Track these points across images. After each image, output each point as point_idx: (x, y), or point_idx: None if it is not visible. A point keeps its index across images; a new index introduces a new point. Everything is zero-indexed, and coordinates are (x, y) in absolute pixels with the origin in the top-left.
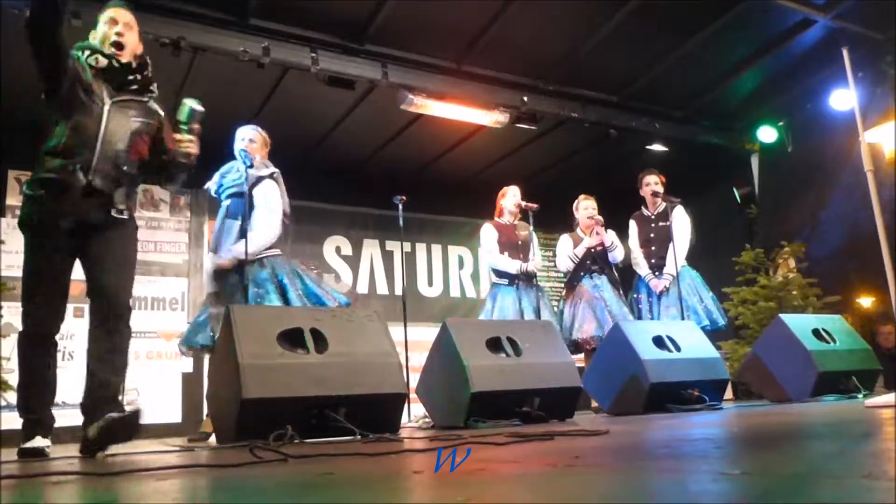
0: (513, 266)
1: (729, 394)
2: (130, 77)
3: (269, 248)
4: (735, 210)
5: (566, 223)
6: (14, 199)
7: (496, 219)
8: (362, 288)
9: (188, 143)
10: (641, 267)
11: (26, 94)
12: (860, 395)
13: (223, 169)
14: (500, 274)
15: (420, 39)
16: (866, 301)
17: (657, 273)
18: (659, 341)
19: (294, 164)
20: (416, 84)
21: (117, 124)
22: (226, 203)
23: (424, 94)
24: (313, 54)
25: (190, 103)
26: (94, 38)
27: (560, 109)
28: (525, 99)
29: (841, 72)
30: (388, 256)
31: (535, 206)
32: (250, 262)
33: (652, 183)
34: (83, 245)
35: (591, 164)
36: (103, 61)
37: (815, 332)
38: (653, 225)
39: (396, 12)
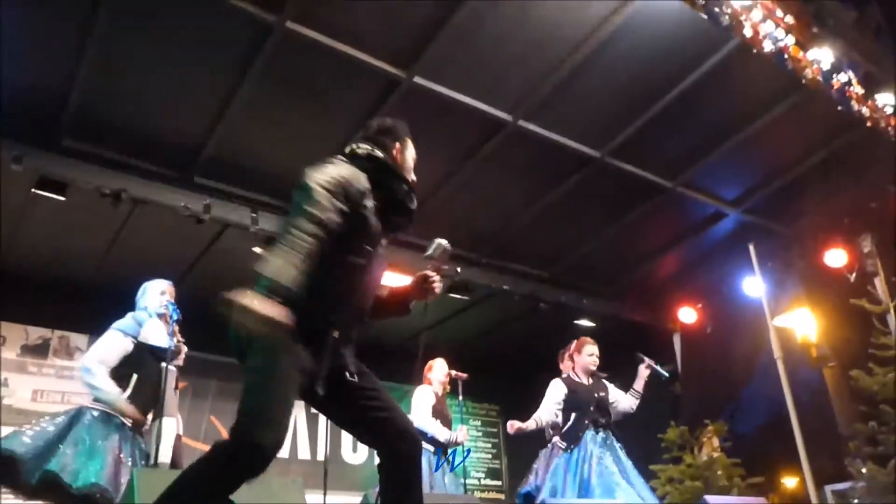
0: (442, 434)
1: None
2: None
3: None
4: (661, 386)
5: (495, 392)
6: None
7: None
8: (282, 452)
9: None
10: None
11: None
12: None
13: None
14: (429, 439)
15: None
16: (791, 481)
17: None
18: None
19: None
20: None
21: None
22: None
23: None
24: (254, 214)
25: (439, 241)
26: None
27: (492, 281)
28: (459, 270)
29: (751, 261)
30: (312, 419)
31: (464, 375)
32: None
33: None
34: None
35: (522, 335)
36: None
37: None
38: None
39: None
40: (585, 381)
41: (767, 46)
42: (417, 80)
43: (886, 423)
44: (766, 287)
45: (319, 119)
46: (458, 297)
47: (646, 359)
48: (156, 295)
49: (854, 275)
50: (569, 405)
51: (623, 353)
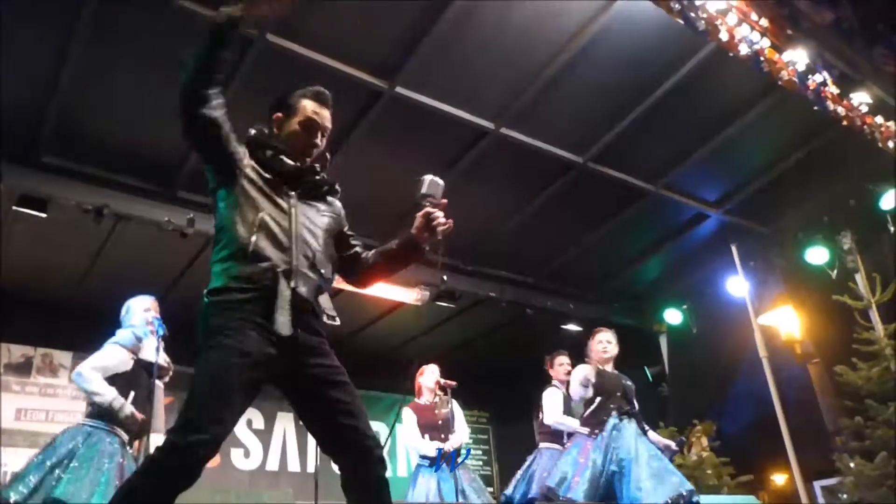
0: (430, 449)
1: None
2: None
3: None
4: (648, 389)
5: (484, 399)
6: None
7: (416, 399)
8: (272, 464)
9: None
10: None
11: None
12: None
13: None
14: (422, 455)
15: (348, 218)
16: (780, 478)
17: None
18: None
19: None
20: None
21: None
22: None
23: None
24: None
25: (429, 177)
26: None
27: (478, 289)
28: (445, 277)
29: (735, 261)
30: (302, 431)
31: (453, 383)
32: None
33: (566, 364)
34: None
35: (509, 341)
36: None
37: None
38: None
39: None
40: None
41: (743, 49)
42: (399, 90)
43: (872, 418)
44: (750, 286)
45: None
46: (445, 304)
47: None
48: (140, 312)
49: (835, 272)
50: (595, 390)
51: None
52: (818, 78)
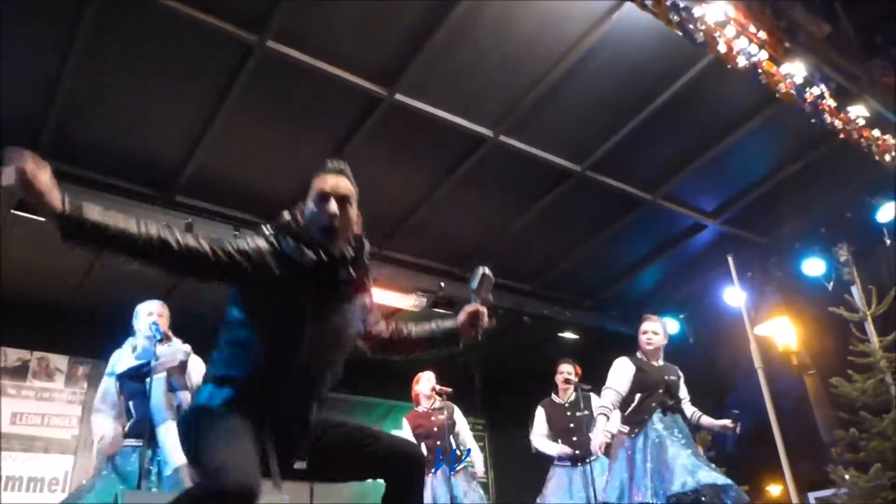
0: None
1: None
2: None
3: None
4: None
5: (481, 405)
6: None
7: (415, 407)
8: None
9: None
10: (552, 449)
11: None
12: None
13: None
14: None
15: None
16: (775, 489)
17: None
18: None
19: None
20: None
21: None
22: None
23: None
24: (236, 232)
25: (482, 270)
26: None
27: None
28: (442, 284)
29: (731, 271)
30: None
31: (448, 389)
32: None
33: (565, 372)
34: None
35: (506, 348)
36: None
37: None
38: (569, 414)
39: None
40: (653, 362)
41: (741, 62)
42: (398, 97)
43: (867, 430)
44: (747, 297)
45: (301, 138)
46: (443, 311)
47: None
48: (144, 317)
49: (831, 283)
50: (635, 386)
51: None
52: (816, 90)
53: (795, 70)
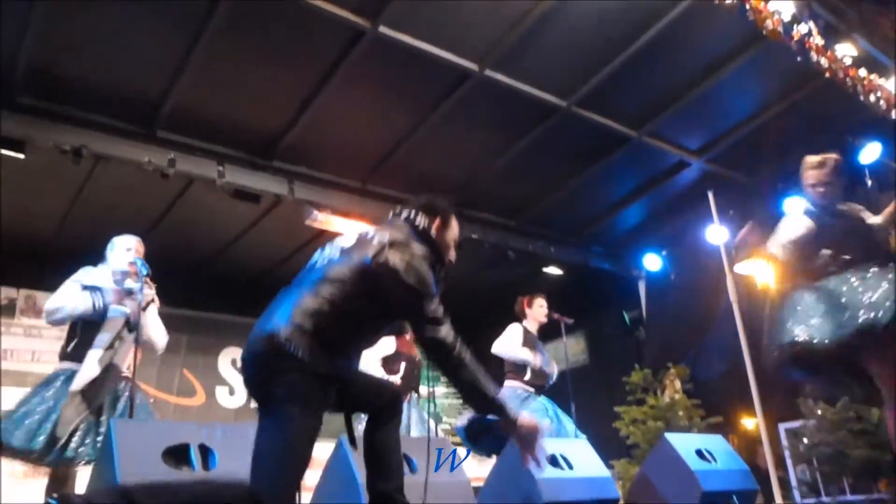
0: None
1: None
2: None
3: None
4: (626, 332)
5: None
6: None
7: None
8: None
9: None
10: (529, 357)
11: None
12: None
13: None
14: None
15: (327, 159)
16: (749, 422)
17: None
18: (553, 460)
19: (190, 273)
20: (321, 201)
21: None
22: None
23: (329, 211)
24: (220, 167)
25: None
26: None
27: (461, 230)
28: None
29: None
30: None
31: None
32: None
33: (545, 306)
34: None
35: (491, 284)
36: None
37: (699, 453)
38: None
39: (306, 132)
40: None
41: None
42: (382, 29)
43: None
44: (728, 235)
45: (283, 70)
46: None
47: None
48: (122, 251)
49: None
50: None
51: (589, 301)
52: (803, 28)
53: (783, 7)
